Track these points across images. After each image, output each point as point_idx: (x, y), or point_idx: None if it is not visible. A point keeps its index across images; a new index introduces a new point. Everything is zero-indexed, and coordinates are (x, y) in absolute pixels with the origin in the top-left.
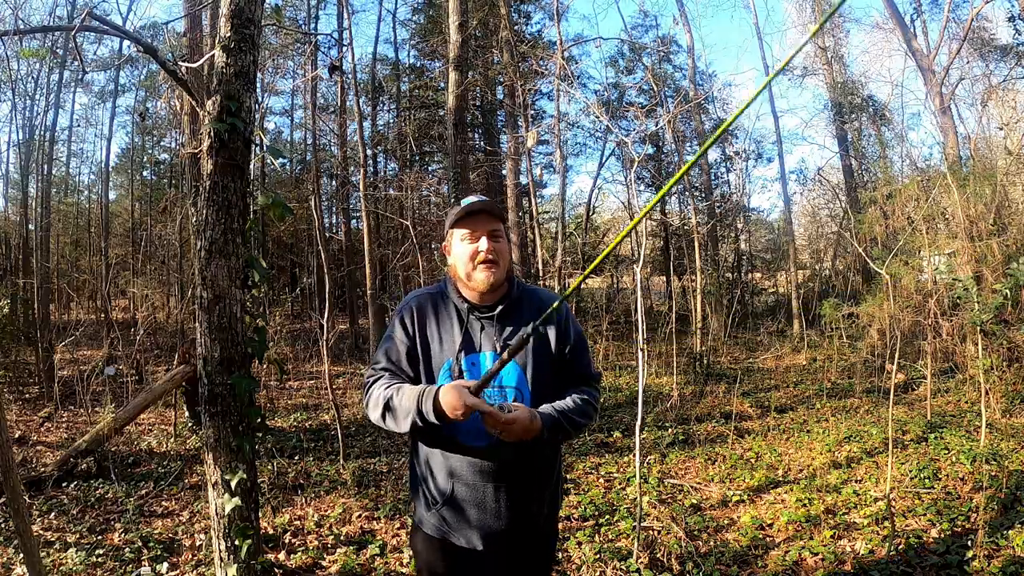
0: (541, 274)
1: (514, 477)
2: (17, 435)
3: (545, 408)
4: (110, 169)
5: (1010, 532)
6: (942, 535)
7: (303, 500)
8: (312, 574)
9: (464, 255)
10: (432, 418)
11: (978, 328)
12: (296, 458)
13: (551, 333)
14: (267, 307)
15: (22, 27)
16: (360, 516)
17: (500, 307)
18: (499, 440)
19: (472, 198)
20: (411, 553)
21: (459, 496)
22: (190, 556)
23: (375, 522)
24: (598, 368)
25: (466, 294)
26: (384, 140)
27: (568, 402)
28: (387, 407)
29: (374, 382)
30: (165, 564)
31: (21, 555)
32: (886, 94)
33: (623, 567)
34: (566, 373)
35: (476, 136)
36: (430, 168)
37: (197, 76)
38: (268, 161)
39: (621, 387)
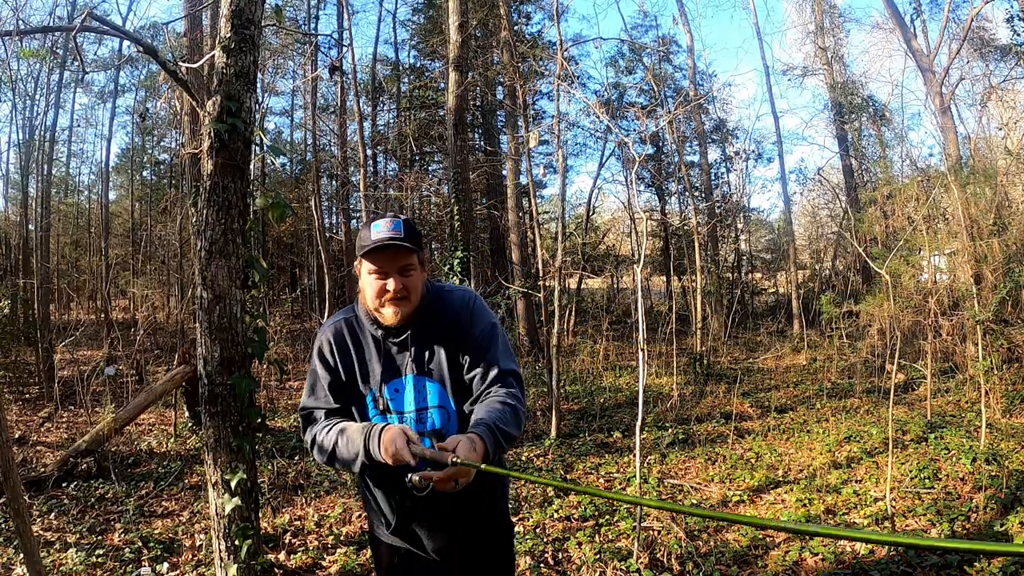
0: (541, 274)
1: (451, 494)
2: (17, 435)
3: (479, 425)
4: (110, 169)
5: (1010, 532)
6: (942, 535)
7: (303, 500)
8: (312, 574)
9: (372, 290)
10: (379, 458)
11: (978, 328)
12: (296, 458)
13: (460, 344)
14: (267, 307)
15: (22, 27)
16: (360, 516)
17: (410, 330)
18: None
19: (382, 227)
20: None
21: (407, 522)
22: (190, 556)
23: None
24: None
25: (379, 319)
26: (384, 140)
27: (496, 408)
28: (334, 454)
29: (309, 426)
30: (165, 564)
31: (21, 555)
32: (886, 94)
33: (623, 567)
34: (479, 370)
35: (476, 136)
36: (430, 168)
37: (197, 76)
38: (268, 161)
39: (621, 387)
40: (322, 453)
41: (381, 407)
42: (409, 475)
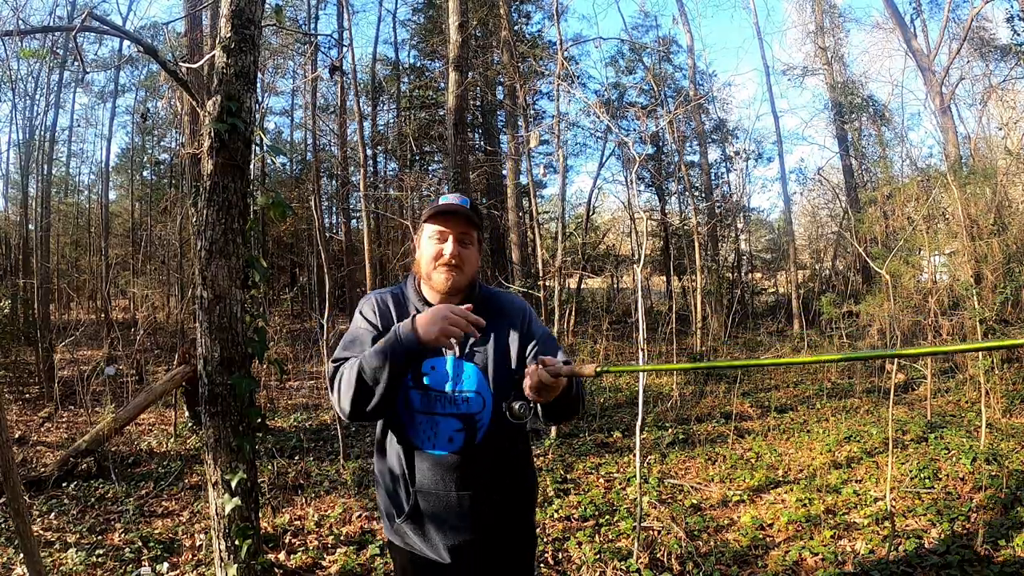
0: (541, 274)
1: (480, 483)
2: (17, 435)
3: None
4: (110, 169)
5: (1010, 532)
6: (942, 535)
7: (303, 500)
8: (312, 574)
9: (428, 253)
10: (412, 339)
11: (979, 327)
12: (296, 458)
13: (512, 338)
14: (267, 307)
15: (22, 27)
16: (360, 516)
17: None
18: (464, 446)
19: (450, 197)
20: None
21: (421, 508)
22: (190, 556)
23: (375, 522)
24: None
25: (427, 294)
26: (384, 140)
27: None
28: (360, 376)
29: (338, 369)
30: (165, 564)
31: (21, 555)
32: (886, 94)
33: (623, 567)
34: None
35: (476, 136)
36: (430, 168)
37: (197, 76)
38: (268, 161)
39: (621, 387)
40: (348, 386)
41: (415, 380)
42: (507, 403)
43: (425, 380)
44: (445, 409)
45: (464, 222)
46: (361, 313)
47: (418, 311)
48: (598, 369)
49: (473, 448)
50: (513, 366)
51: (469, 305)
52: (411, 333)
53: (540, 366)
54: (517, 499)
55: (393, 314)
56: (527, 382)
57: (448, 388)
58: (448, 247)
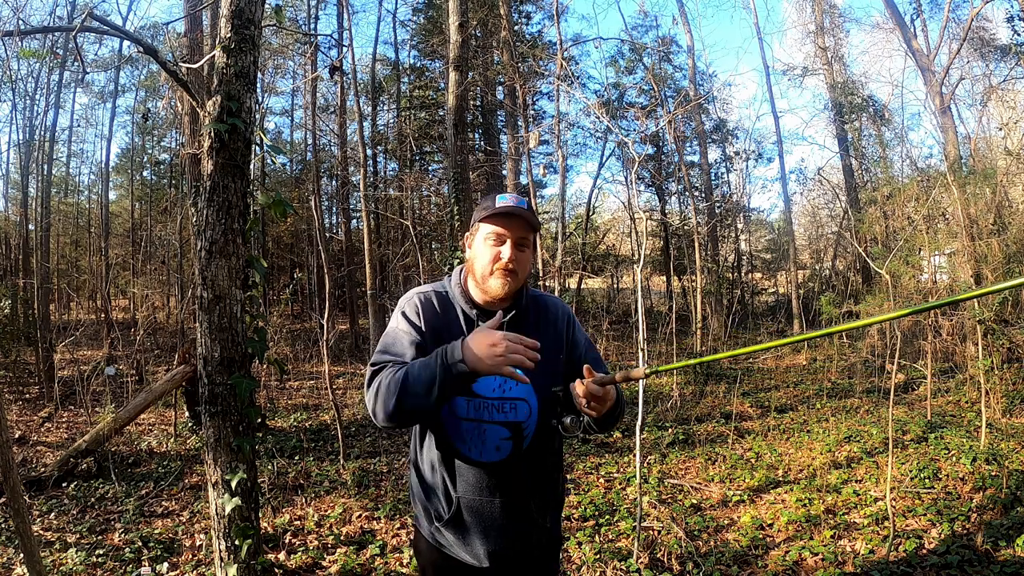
0: (541, 274)
1: (525, 489)
2: (17, 435)
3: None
4: (110, 169)
5: (1010, 532)
6: (942, 535)
7: (303, 500)
8: (312, 574)
9: (484, 256)
10: (463, 367)
11: (979, 327)
12: (296, 458)
13: (557, 343)
14: (266, 307)
15: (22, 27)
16: (360, 516)
17: (510, 315)
18: (512, 454)
19: (508, 198)
20: (411, 553)
21: (463, 514)
22: (190, 556)
23: (375, 522)
24: None
25: (475, 295)
26: (384, 140)
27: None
28: (404, 388)
29: (376, 373)
30: (165, 564)
31: (21, 555)
32: (886, 94)
33: (623, 567)
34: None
35: (476, 136)
36: (430, 168)
37: (197, 76)
38: (268, 161)
39: (621, 387)
40: (389, 395)
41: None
42: (559, 419)
43: (471, 386)
44: (493, 417)
45: (523, 225)
46: (403, 314)
47: (465, 314)
48: (647, 371)
49: (519, 455)
50: (559, 372)
51: (499, 321)
52: (462, 363)
53: (587, 380)
54: (555, 502)
55: (438, 312)
56: (580, 400)
57: (496, 394)
58: (506, 251)
